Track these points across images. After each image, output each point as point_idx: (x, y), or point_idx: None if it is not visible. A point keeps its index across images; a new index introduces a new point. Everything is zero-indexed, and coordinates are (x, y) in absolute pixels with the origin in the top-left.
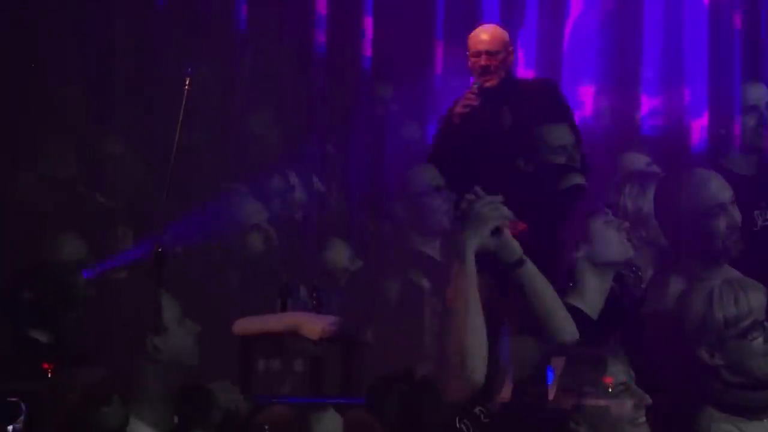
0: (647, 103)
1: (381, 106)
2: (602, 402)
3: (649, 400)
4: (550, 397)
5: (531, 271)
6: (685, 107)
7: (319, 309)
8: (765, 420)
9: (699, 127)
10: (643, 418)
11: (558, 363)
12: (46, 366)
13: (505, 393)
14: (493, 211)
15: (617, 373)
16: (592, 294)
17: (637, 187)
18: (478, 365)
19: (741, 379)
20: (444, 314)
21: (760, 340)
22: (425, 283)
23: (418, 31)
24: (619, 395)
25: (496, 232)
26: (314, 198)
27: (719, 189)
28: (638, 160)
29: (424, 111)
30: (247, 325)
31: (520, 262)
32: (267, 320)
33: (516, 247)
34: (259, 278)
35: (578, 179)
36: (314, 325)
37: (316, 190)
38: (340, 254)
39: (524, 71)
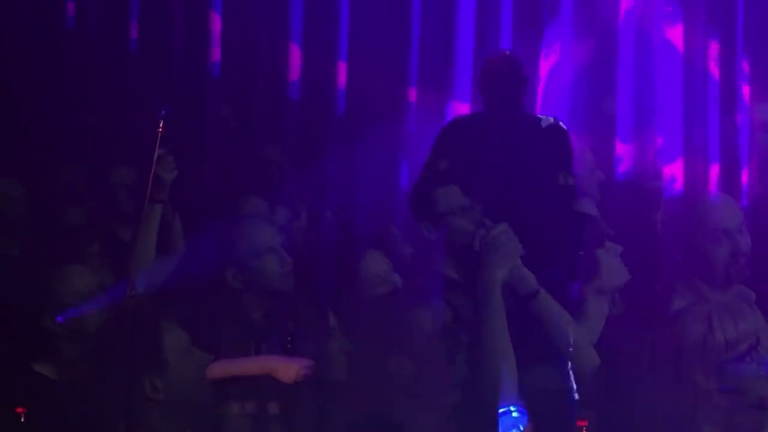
0: (621, 149)
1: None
2: None
3: None
4: None
5: (546, 301)
6: (657, 153)
7: (294, 352)
8: None
9: (671, 172)
10: None
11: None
12: (19, 410)
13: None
14: (513, 243)
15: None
16: (594, 320)
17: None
18: (509, 396)
19: (737, 403)
20: (474, 348)
21: (754, 364)
22: (449, 310)
23: (391, 76)
24: None
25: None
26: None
27: (727, 215)
28: None
29: (397, 154)
30: (220, 368)
31: (534, 293)
32: (241, 363)
33: (530, 279)
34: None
35: (591, 210)
36: (289, 368)
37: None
38: (377, 265)
39: None
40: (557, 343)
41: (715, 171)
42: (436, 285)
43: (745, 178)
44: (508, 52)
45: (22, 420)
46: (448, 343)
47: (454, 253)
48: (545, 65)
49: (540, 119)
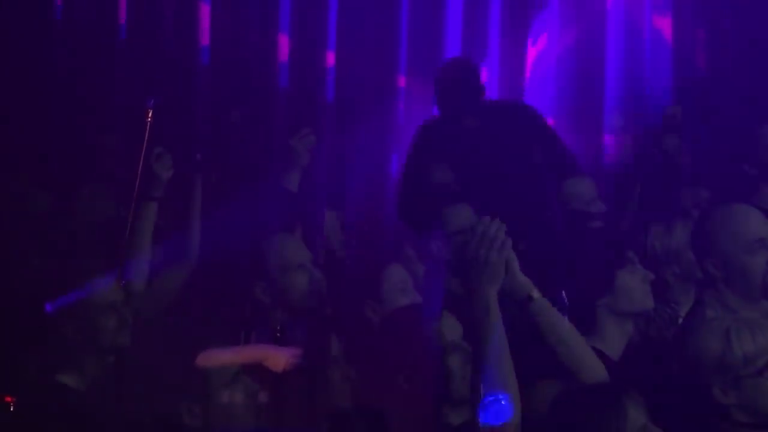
0: (608, 140)
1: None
2: None
3: None
4: None
5: (543, 308)
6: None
7: (283, 341)
8: None
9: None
10: None
11: None
12: (8, 399)
13: None
14: (494, 248)
15: (637, 415)
16: (613, 338)
17: (663, 226)
18: (514, 414)
19: (752, 419)
20: (476, 367)
21: None
22: (458, 326)
23: (380, 65)
24: None
25: (506, 268)
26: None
27: (759, 224)
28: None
29: (387, 143)
30: (210, 357)
31: (528, 299)
32: (231, 353)
33: (525, 283)
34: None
35: (598, 223)
36: (278, 357)
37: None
38: (398, 276)
39: None
40: (561, 357)
41: None
42: (446, 301)
43: None
44: (462, 58)
45: (11, 409)
46: (457, 359)
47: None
48: (532, 52)
49: (501, 105)
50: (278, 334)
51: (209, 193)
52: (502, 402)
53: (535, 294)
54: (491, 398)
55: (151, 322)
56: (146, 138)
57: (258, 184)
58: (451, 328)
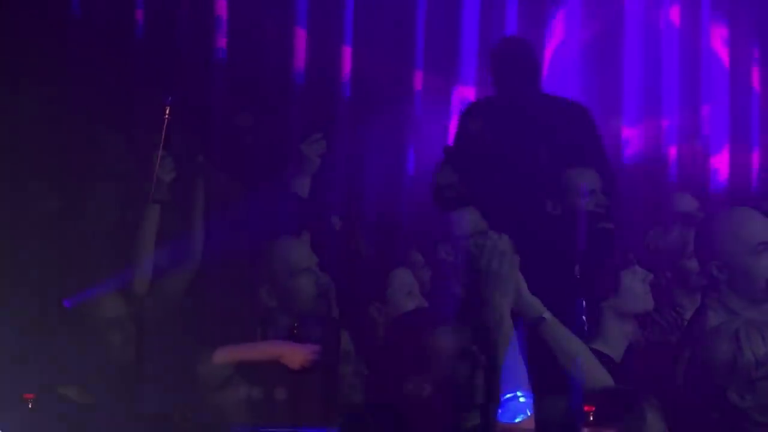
0: (626, 132)
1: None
2: None
3: None
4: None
5: (554, 327)
6: (662, 137)
7: (300, 338)
8: None
9: (673, 157)
10: None
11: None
12: (28, 396)
13: None
14: (505, 261)
15: (655, 420)
16: (615, 339)
17: (660, 229)
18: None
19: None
20: (487, 374)
21: None
22: (467, 331)
23: (397, 60)
24: None
25: (516, 291)
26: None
27: (762, 227)
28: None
29: (404, 139)
30: (227, 353)
31: (540, 320)
32: (248, 349)
33: (535, 304)
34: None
35: (606, 224)
36: (295, 354)
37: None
38: (405, 279)
39: None
40: (567, 370)
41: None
42: (455, 306)
43: (756, 161)
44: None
45: (30, 406)
46: (467, 365)
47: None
48: (549, 47)
49: (558, 101)
50: (294, 331)
51: (219, 194)
52: (521, 399)
53: (547, 315)
54: (510, 396)
55: (154, 324)
56: (163, 135)
57: (270, 187)
58: (460, 333)
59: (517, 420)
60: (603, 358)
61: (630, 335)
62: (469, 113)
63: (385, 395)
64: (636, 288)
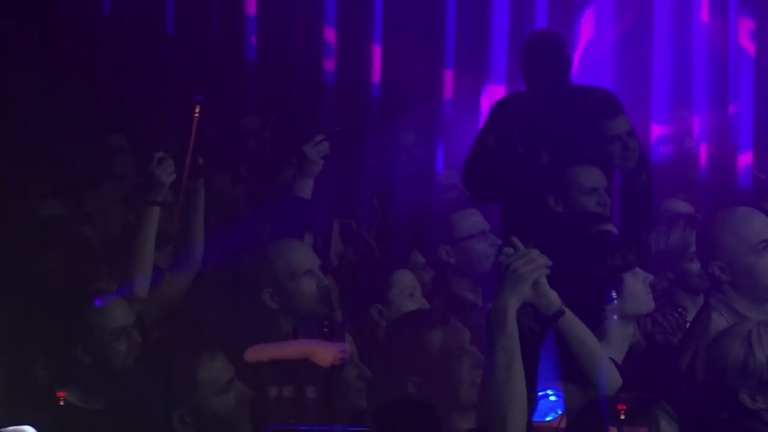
0: (656, 130)
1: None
2: None
3: None
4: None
5: (571, 321)
6: (693, 135)
7: (331, 336)
8: None
9: (706, 154)
10: None
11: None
12: (60, 394)
13: None
14: (530, 265)
15: (668, 425)
16: (618, 341)
17: (663, 230)
18: (519, 425)
19: None
20: (486, 374)
21: None
22: (466, 332)
23: (427, 59)
24: None
25: (535, 285)
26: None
27: (764, 226)
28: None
29: (434, 138)
30: (258, 351)
31: (560, 313)
32: (278, 347)
33: (555, 299)
34: None
35: (608, 227)
36: (325, 352)
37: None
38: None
39: None
40: (584, 363)
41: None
42: (453, 307)
43: None
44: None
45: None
46: (465, 365)
47: (472, 276)
48: (579, 45)
49: (587, 91)
50: (325, 329)
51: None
52: (552, 398)
53: (565, 308)
54: (541, 394)
55: (153, 328)
56: (193, 133)
57: (271, 188)
58: (457, 334)
59: (548, 418)
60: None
61: (631, 337)
62: (499, 109)
63: (383, 399)
64: (639, 290)
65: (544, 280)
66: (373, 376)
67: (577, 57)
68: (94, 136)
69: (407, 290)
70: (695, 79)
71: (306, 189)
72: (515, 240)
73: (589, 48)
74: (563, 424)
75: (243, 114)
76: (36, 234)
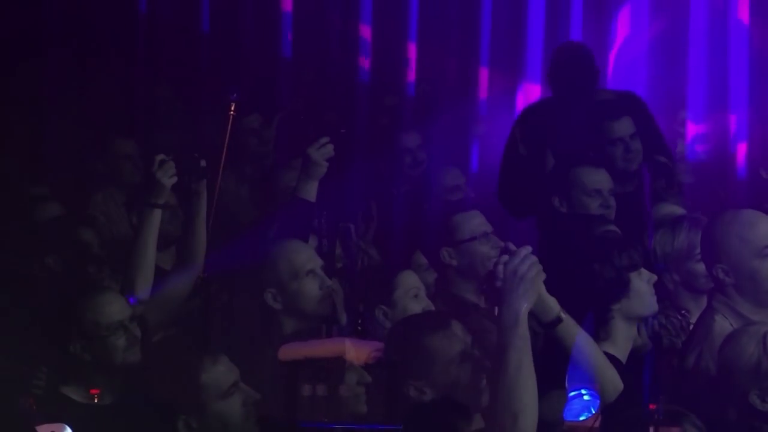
0: (692, 129)
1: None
2: None
3: None
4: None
5: (570, 327)
6: (729, 133)
7: (365, 335)
8: None
9: (743, 153)
10: None
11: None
12: (93, 392)
13: None
14: (535, 269)
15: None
16: (622, 341)
17: (668, 232)
18: (530, 425)
19: None
20: (497, 374)
21: None
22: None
23: (462, 57)
24: None
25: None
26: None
27: None
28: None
29: (468, 137)
30: (292, 350)
31: (557, 321)
32: (312, 345)
33: (553, 305)
34: None
35: (610, 228)
36: (359, 350)
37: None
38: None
39: None
40: (581, 370)
41: None
42: (456, 310)
43: None
44: (579, 42)
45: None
46: (469, 369)
47: (475, 278)
48: (615, 43)
49: (612, 97)
50: (359, 328)
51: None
52: (585, 397)
53: (564, 315)
54: (574, 393)
55: (156, 330)
56: (228, 131)
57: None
58: (460, 337)
59: (581, 418)
60: (610, 360)
61: (634, 337)
62: (525, 118)
63: (384, 403)
64: (643, 291)
65: (543, 287)
66: (373, 380)
67: (612, 56)
68: (105, 140)
69: (412, 291)
70: (732, 79)
71: (310, 191)
72: (510, 244)
73: (625, 47)
74: (597, 424)
75: (276, 111)
76: (35, 235)
